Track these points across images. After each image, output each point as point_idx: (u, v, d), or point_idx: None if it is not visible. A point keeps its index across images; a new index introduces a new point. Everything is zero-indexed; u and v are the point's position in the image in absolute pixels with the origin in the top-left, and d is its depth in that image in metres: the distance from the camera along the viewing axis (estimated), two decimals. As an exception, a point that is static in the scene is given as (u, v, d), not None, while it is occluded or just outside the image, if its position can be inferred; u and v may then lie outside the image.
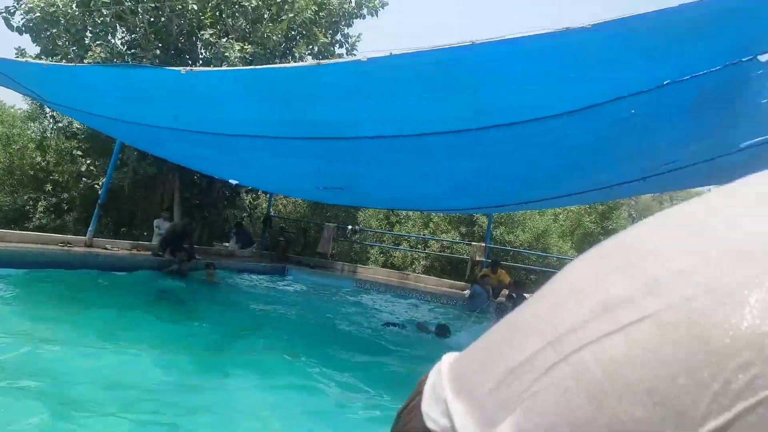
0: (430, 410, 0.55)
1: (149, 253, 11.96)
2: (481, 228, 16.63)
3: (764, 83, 5.53)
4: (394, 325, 9.56)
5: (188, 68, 5.59)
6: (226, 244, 16.59)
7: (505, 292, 13.00)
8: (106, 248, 11.47)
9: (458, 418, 0.51)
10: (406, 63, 4.58)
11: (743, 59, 4.98)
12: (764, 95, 5.75)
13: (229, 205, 17.91)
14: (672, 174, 8.18)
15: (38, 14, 12.85)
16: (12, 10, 13.37)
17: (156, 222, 13.58)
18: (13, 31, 13.50)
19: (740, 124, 6.59)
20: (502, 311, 11.66)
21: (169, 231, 12.33)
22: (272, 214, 18.49)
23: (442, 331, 9.31)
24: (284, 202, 22.60)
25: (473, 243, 15.30)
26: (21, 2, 13.26)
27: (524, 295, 12.80)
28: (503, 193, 8.29)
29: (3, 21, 13.47)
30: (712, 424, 0.36)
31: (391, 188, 8.67)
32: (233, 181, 11.72)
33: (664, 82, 4.98)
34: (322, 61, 5.04)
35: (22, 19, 13.25)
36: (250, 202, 19.64)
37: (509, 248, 15.96)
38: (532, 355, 0.47)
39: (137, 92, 6.60)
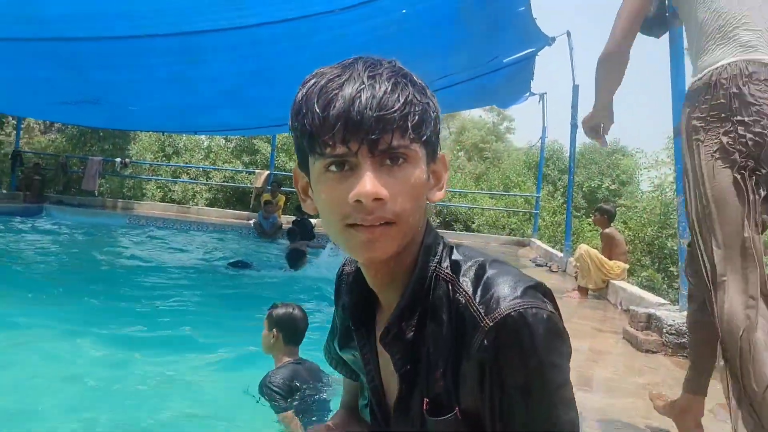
0: None
1: None
2: (264, 156, 16.25)
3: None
4: (242, 265, 8.27)
5: None
6: (-36, 186, 14.15)
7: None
8: None
9: None
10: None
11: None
12: (521, 3, 6.17)
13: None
14: (446, 93, 8.59)
15: None
16: None
17: None
18: None
19: (501, 35, 7.05)
20: (292, 236, 11.60)
21: None
22: (22, 149, 16.09)
23: (296, 258, 8.02)
24: (41, 138, 19.82)
25: (256, 171, 14.92)
26: None
27: (309, 219, 12.89)
28: (283, 105, 7.87)
29: None
30: None
31: (155, 98, 7.78)
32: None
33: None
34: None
35: None
36: (-8, 136, 16.87)
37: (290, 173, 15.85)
38: None
39: None
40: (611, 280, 6.48)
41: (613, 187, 14.97)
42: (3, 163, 16.26)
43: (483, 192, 17.79)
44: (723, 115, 1.83)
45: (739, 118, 1.79)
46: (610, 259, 6.64)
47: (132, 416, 3.44)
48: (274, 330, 3.06)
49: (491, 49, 7.44)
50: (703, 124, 1.87)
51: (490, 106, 28.78)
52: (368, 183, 0.74)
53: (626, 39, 2.13)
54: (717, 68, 1.88)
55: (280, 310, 3.11)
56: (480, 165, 23.61)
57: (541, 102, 12.26)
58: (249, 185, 15.23)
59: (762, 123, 1.77)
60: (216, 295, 6.83)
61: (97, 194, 14.89)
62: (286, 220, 12.80)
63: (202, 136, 17.03)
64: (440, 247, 0.90)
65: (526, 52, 8.31)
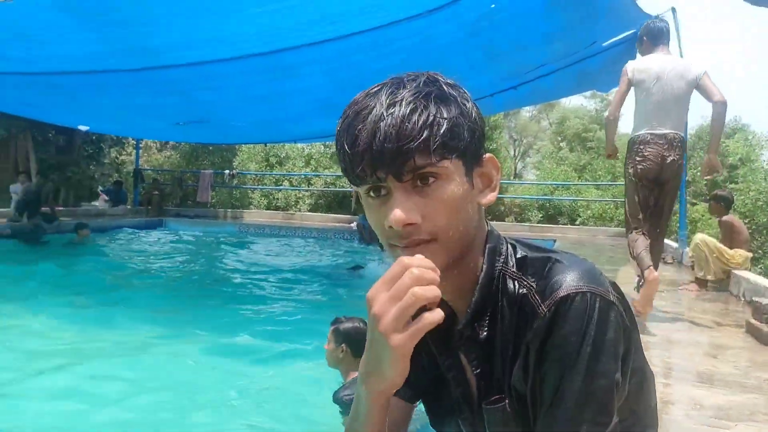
0: None
1: (5, 220, 11.00)
2: (363, 159, 16.59)
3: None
4: (362, 268, 8.26)
5: (1, -3, 4.87)
6: (96, 204, 15.48)
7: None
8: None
9: None
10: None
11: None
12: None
13: (93, 163, 16.63)
14: (542, 81, 8.35)
15: None
16: None
17: (12, 188, 12.47)
18: None
19: (599, 20, 6.77)
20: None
21: (22, 194, 11.36)
22: (142, 167, 17.41)
23: None
24: (157, 156, 21.35)
25: (355, 175, 15.20)
26: None
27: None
28: None
29: None
30: None
31: (255, 114, 8.20)
32: (83, 128, 10.76)
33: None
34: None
35: None
36: (116, 157, 18.35)
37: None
38: None
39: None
40: (733, 270, 6.04)
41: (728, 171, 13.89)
42: (126, 181, 17.67)
43: (588, 183, 17.11)
44: (633, 156, 4.17)
45: (638, 158, 4.14)
46: (731, 248, 6.19)
47: (224, 413, 3.62)
48: (343, 345, 3.08)
49: (589, 34, 7.14)
50: (627, 160, 4.23)
51: (591, 93, 27.69)
52: (397, 211, 0.78)
53: (618, 108, 4.34)
54: (635, 135, 4.18)
55: (347, 324, 3.11)
56: (584, 155, 22.70)
57: (645, 84, 11.59)
58: (349, 189, 15.58)
59: (644, 163, 4.10)
60: (331, 297, 6.95)
61: (209, 205, 15.81)
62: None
63: (302, 144, 17.63)
64: (504, 248, 0.91)
65: (627, 33, 7.89)
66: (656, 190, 4.23)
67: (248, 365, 4.47)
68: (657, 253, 4.33)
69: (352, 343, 3.07)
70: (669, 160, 4.08)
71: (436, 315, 0.73)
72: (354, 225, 13.35)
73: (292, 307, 6.38)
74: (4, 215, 11.49)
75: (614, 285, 0.85)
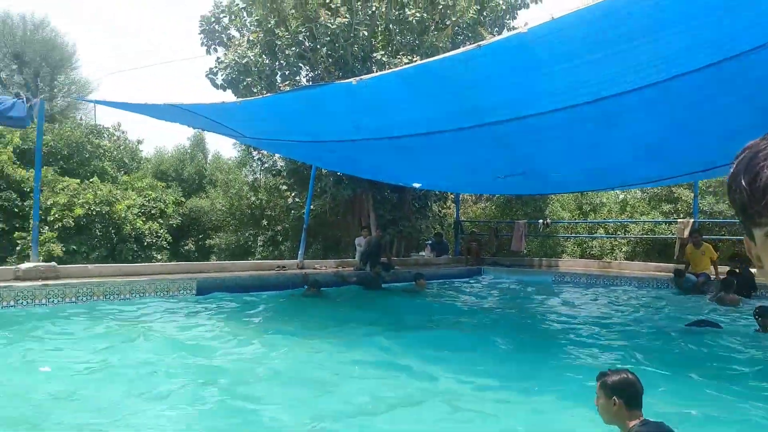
0: None
1: (353, 269, 12.93)
2: (686, 203, 15.22)
3: None
4: (707, 324, 7.55)
5: (359, 78, 5.96)
6: (422, 254, 17.12)
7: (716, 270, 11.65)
8: (315, 268, 12.68)
9: None
10: (572, 23, 4.41)
11: None
12: None
13: (420, 217, 18.51)
14: None
15: (234, 68, 14.65)
16: (215, 71, 15.45)
17: (357, 240, 14.50)
18: (217, 89, 15.61)
19: None
20: (727, 287, 10.33)
21: (365, 246, 13.19)
22: (461, 219, 18.73)
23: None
24: (473, 208, 22.76)
25: (678, 220, 14.04)
26: (221, 62, 15.24)
27: (750, 269, 11.33)
28: (707, 151, 7.33)
29: (209, 82, 15.63)
30: None
31: (574, 164, 8.30)
32: (416, 185, 12.15)
33: None
34: (482, 43, 5.02)
35: (222, 75, 15.24)
36: (438, 210, 20.12)
37: (721, 220, 14.34)
38: None
39: (319, 110, 7.18)
40: None
41: None
42: (448, 232, 19.20)
43: None
44: None
45: None
46: None
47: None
48: (614, 398, 3.12)
49: None
50: None
51: None
52: None
53: None
54: None
55: (615, 377, 3.18)
56: None
57: None
58: (672, 235, 14.42)
59: None
60: (667, 354, 6.41)
61: (524, 254, 16.19)
62: (723, 271, 11.56)
63: (618, 190, 17.04)
64: None
65: None
66: None
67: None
68: None
69: (624, 394, 3.16)
70: None
71: None
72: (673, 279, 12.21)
73: (615, 360, 5.95)
74: (352, 264, 13.50)
75: None
